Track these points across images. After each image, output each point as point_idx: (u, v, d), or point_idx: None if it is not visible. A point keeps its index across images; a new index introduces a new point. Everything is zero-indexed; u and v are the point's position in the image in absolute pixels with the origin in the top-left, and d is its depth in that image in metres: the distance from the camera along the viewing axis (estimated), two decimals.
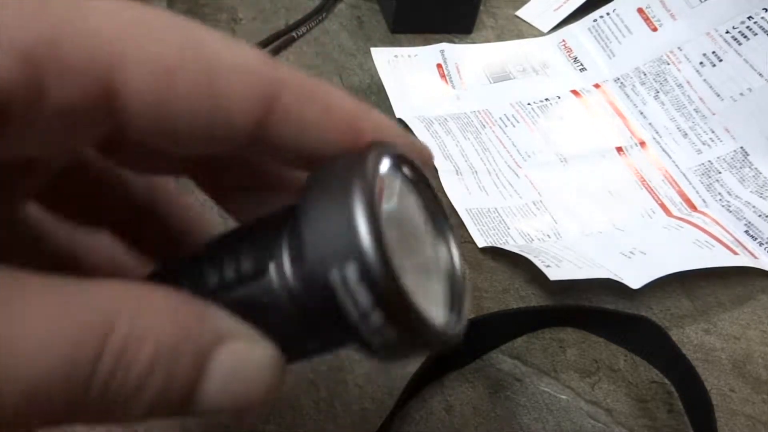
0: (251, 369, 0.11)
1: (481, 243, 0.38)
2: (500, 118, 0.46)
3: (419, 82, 0.48)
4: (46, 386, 0.08)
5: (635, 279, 0.35)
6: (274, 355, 0.12)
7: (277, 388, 0.11)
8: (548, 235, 0.39)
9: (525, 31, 0.56)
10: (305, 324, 0.12)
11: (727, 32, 0.46)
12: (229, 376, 0.10)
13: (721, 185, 0.43)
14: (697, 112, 0.46)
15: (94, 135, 0.11)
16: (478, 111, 0.47)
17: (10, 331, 0.08)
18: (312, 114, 0.12)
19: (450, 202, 0.40)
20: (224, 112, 0.10)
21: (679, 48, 0.48)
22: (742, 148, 0.44)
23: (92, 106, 0.10)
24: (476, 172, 0.43)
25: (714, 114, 0.45)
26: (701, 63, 0.46)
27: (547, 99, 0.48)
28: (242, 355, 0.11)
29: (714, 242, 0.39)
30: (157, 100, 0.10)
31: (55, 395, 0.08)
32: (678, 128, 0.46)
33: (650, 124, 0.47)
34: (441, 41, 0.52)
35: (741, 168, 0.43)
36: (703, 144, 0.45)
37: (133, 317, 0.09)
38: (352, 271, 0.10)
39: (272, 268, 0.11)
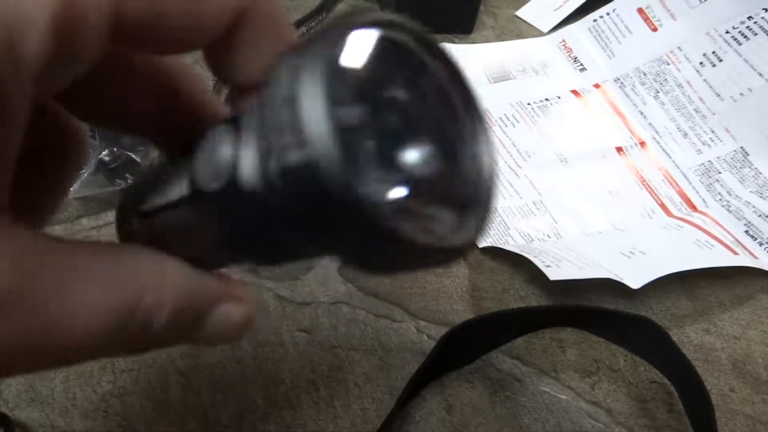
0: (232, 321, 0.15)
1: (481, 243, 0.38)
2: (500, 118, 0.46)
3: None
4: (102, 330, 0.12)
5: (635, 279, 0.35)
6: (248, 310, 0.16)
7: (250, 327, 0.16)
8: (548, 235, 0.39)
9: (525, 31, 0.56)
10: (270, 225, 0.12)
11: (727, 32, 0.46)
12: (218, 325, 0.15)
13: (721, 185, 0.43)
14: (697, 112, 0.46)
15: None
16: None
17: (78, 295, 0.12)
18: (266, 44, 0.14)
19: None
20: (199, 17, 0.13)
21: (679, 48, 0.48)
22: (742, 148, 0.44)
23: (107, 44, 0.12)
24: None
25: (714, 114, 0.45)
26: (701, 63, 0.46)
27: (547, 99, 0.48)
28: (227, 314, 0.15)
29: (714, 242, 0.39)
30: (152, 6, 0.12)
31: (108, 335, 0.13)
32: (678, 128, 0.46)
33: (650, 124, 0.47)
34: (441, 41, 0.52)
35: (741, 168, 0.43)
36: (703, 144, 0.45)
37: (157, 290, 0.13)
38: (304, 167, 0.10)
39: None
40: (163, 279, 0.14)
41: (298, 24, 0.52)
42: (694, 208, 0.42)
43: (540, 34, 0.55)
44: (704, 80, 0.46)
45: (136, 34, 0.13)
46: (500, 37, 0.55)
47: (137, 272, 0.13)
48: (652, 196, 0.43)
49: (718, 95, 0.45)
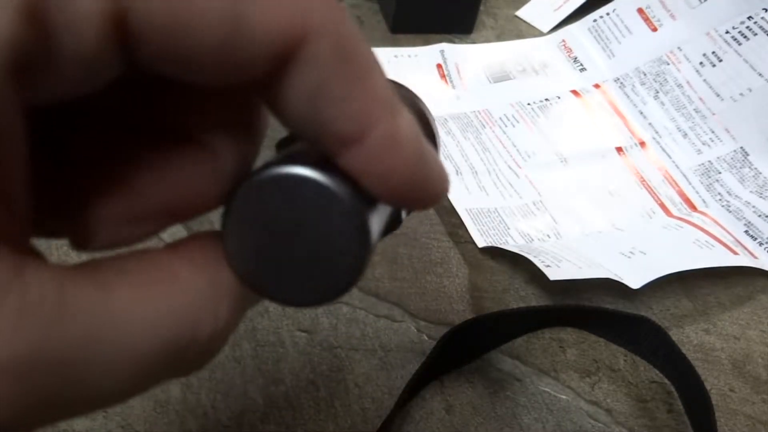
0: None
1: (481, 243, 0.38)
2: (500, 118, 0.46)
3: (419, 82, 0.48)
4: (154, 354, 0.11)
5: (635, 279, 0.35)
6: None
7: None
8: (548, 235, 0.39)
9: (525, 31, 0.56)
10: None
11: (727, 32, 0.46)
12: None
13: (721, 185, 0.43)
14: (697, 112, 0.46)
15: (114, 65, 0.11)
16: (478, 111, 0.47)
17: (129, 314, 0.11)
18: (335, 88, 0.11)
19: (450, 203, 0.40)
20: (243, 39, 0.10)
21: (679, 48, 0.48)
22: (742, 148, 0.44)
23: (105, 45, 0.10)
24: (476, 172, 0.43)
25: (714, 114, 0.45)
26: (701, 63, 0.46)
27: (547, 99, 0.48)
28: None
29: (714, 242, 0.39)
30: (171, 21, 0.10)
31: (160, 359, 0.11)
32: (678, 128, 0.46)
33: (650, 124, 0.47)
34: (441, 41, 0.52)
35: (741, 168, 0.43)
36: (703, 144, 0.45)
37: (211, 318, 0.12)
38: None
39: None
40: (213, 307, 0.12)
41: None
42: (694, 208, 0.42)
43: (540, 34, 0.55)
44: (704, 80, 0.46)
45: (154, 47, 0.10)
46: (500, 37, 0.55)
47: (189, 296, 0.12)
48: (652, 196, 0.43)
49: (718, 95, 0.45)
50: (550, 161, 0.44)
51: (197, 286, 0.12)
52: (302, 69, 0.11)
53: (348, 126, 0.11)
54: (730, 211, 0.41)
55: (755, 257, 0.39)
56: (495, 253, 0.38)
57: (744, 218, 0.41)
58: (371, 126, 0.11)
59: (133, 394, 0.11)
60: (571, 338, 0.34)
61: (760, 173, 0.43)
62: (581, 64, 0.51)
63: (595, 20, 0.52)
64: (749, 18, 0.45)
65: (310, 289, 0.13)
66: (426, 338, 0.33)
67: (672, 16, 0.49)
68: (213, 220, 0.34)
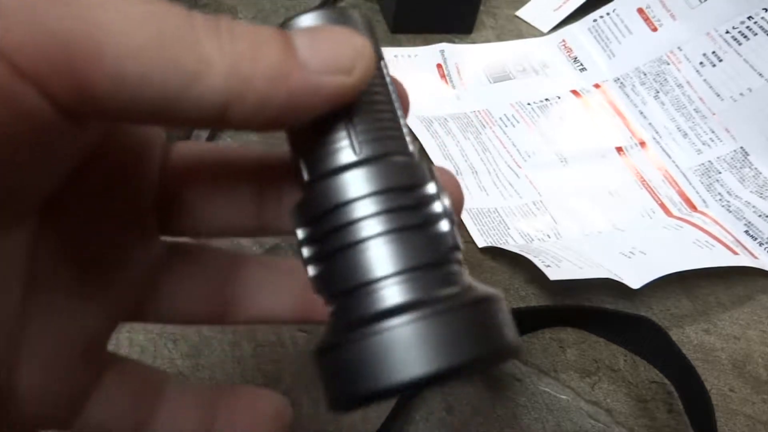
0: None
1: (481, 243, 0.38)
2: (500, 118, 0.46)
3: (419, 82, 0.48)
4: None
5: (635, 279, 0.35)
6: None
7: None
8: (548, 235, 0.39)
9: (525, 31, 0.56)
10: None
11: (727, 32, 0.46)
12: None
13: (721, 185, 0.43)
14: (697, 112, 0.46)
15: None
16: (478, 111, 0.47)
17: None
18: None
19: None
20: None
21: (679, 48, 0.48)
22: (742, 148, 0.44)
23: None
24: (476, 172, 0.43)
25: (714, 114, 0.45)
26: (701, 63, 0.46)
27: (547, 99, 0.48)
28: None
29: (714, 242, 0.39)
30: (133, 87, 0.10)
31: None
32: (678, 128, 0.46)
33: (650, 124, 0.47)
34: (441, 41, 0.52)
35: (741, 168, 0.43)
36: (703, 144, 0.45)
37: None
38: None
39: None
40: None
41: None
42: (694, 208, 0.42)
43: (540, 34, 0.55)
44: (704, 80, 0.46)
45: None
46: (500, 37, 0.55)
47: None
48: (652, 196, 0.43)
49: (718, 95, 0.45)
50: (550, 161, 0.44)
51: None
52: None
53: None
54: (730, 211, 0.41)
55: (755, 257, 0.39)
56: (495, 253, 0.37)
57: (744, 218, 0.41)
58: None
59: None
60: (571, 338, 0.34)
61: (760, 173, 0.43)
62: (581, 64, 0.51)
63: (595, 20, 0.52)
64: (749, 18, 0.45)
65: None
66: None
67: (672, 16, 0.49)
68: None
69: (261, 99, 0.11)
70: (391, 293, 0.12)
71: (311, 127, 0.13)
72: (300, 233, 0.14)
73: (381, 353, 0.11)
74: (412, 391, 0.13)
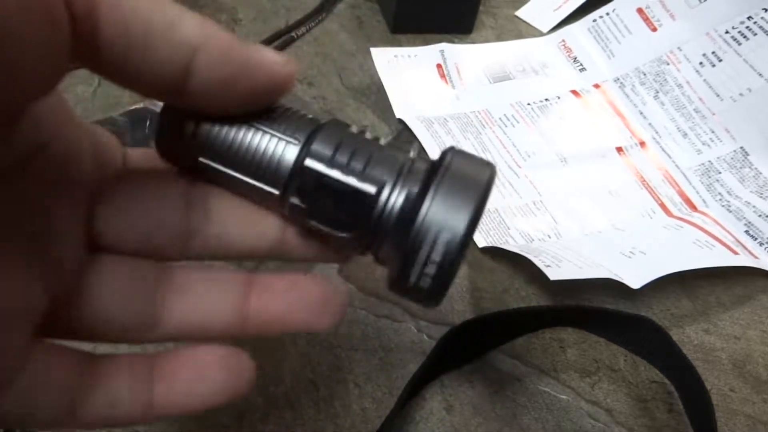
0: None
1: (481, 243, 0.38)
2: (500, 118, 0.46)
3: (419, 82, 0.48)
4: None
5: (635, 279, 0.35)
6: None
7: None
8: (548, 235, 0.39)
9: (525, 31, 0.56)
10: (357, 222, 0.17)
11: (727, 32, 0.46)
12: None
13: (721, 185, 0.43)
14: (697, 112, 0.46)
15: None
16: (478, 111, 0.47)
17: None
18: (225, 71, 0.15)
19: None
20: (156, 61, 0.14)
21: (678, 48, 0.48)
22: (742, 148, 0.44)
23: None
24: None
25: (714, 114, 0.45)
26: (701, 63, 0.46)
27: (546, 99, 0.48)
28: None
29: (714, 242, 0.39)
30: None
31: None
32: (678, 128, 0.46)
33: (650, 124, 0.47)
34: (441, 41, 0.52)
35: (741, 168, 0.43)
36: (703, 144, 0.45)
37: None
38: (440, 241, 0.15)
39: (386, 190, 0.16)
40: None
41: (299, 23, 0.52)
42: (694, 208, 0.42)
43: (540, 34, 0.55)
44: (704, 80, 0.46)
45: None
46: (500, 37, 0.55)
47: None
48: (652, 196, 0.43)
49: (718, 95, 0.45)
50: (550, 161, 0.44)
51: None
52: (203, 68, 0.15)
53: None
54: (731, 211, 0.41)
55: (755, 257, 0.39)
56: (495, 253, 0.37)
57: (744, 218, 0.41)
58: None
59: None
60: (571, 338, 0.34)
61: (760, 173, 0.43)
62: (581, 64, 0.51)
63: (594, 20, 0.52)
64: (749, 18, 0.45)
65: None
66: (426, 338, 0.33)
67: (672, 16, 0.49)
68: None
69: (223, 51, 0.14)
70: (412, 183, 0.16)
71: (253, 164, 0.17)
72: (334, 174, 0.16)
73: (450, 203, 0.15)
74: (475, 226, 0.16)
